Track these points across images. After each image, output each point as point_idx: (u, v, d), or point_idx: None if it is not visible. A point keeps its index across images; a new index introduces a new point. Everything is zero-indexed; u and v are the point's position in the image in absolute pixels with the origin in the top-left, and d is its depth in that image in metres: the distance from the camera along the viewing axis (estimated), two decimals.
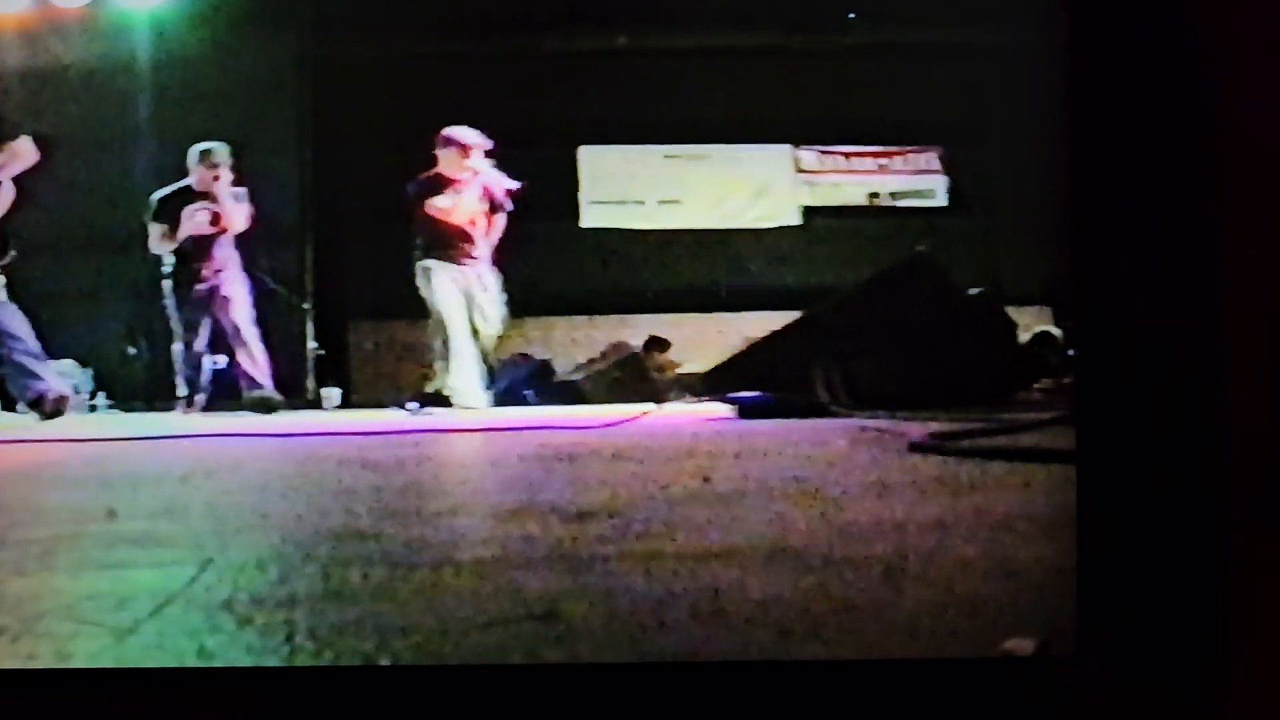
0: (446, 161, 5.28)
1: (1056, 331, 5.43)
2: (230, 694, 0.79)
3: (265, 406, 4.79)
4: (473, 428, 3.38)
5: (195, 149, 5.17)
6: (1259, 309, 0.88)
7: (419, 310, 5.43)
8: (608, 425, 3.07)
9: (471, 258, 5.30)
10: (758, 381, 3.36)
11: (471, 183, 5.30)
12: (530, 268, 5.65)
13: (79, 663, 0.76)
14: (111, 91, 6.43)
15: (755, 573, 0.94)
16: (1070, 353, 4.50)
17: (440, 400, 4.83)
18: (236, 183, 5.18)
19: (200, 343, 5.04)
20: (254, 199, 5.19)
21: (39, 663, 0.76)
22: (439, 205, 5.25)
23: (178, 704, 0.79)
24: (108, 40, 6.51)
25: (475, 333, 5.21)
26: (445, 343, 5.17)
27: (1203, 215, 0.91)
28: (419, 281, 5.25)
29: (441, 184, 5.26)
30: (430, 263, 5.25)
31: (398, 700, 0.79)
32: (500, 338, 5.45)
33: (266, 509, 1.39)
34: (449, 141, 5.27)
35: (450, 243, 5.31)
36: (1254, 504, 0.87)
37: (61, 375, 5.13)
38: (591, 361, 5.97)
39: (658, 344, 6.61)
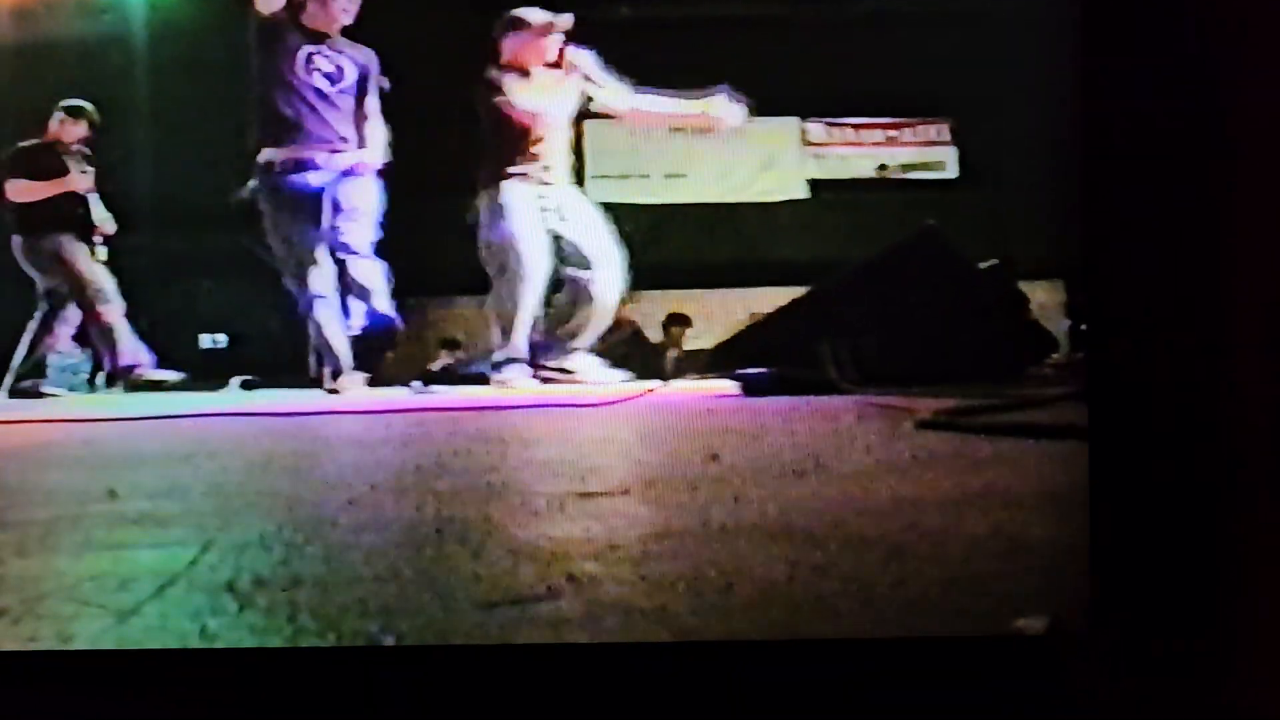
0: (524, 50, 4.07)
1: None
2: (233, 675, 0.78)
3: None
4: (476, 406, 3.37)
5: None
6: (1275, 285, 0.87)
7: (421, 288, 5.29)
8: (613, 403, 3.06)
9: (550, 178, 4.05)
10: (764, 358, 3.35)
11: (566, 78, 4.07)
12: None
13: (81, 644, 0.76)
14: (114, 68, 6.42)
15: (762, 550, 0.94)
16: (1082, 327, 4.48)
17: (444, 379, 4.77)
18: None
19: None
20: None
21: (40, 644, 0.76)
22: (518, 101, 3.89)
23: (180, 685, 0.79)
24: (111, 15, 6.50)
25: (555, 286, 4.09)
26: (516, 303, 3.93)
27: (1217, 190, 0.89)
28: (484, 220, 4.02)
29: (519, 73, 4.06)
30: (505, 186, 3.93)
31: (401, 680, 0.79)
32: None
33: (269, 488, 1.39)
34: (518, 24, 4.09)
35: (525, 154, 3.98)
36: (1270, 482, 0.86)
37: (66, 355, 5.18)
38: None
39: (678, 320, 6.59)
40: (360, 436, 2.15)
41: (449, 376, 4.89)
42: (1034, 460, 1.43)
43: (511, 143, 4.05)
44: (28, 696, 0.77)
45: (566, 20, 4.13)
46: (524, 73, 4.12)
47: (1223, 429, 0.87)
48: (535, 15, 4.14)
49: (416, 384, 4.44)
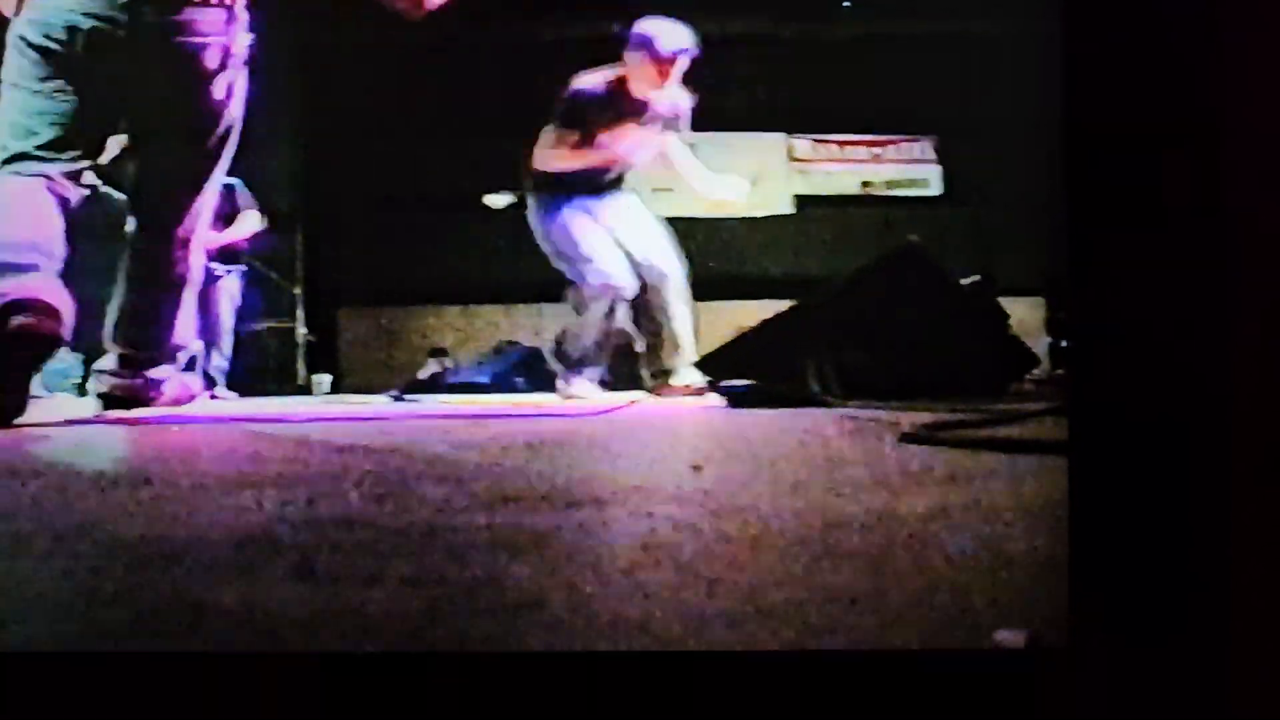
0: (636, 75, 3.98)
1: None
2: (214, 680, 0.78)
3: None
4: (458, 414, 3.37)
5: None
6: (1258, 299, 0.88)
7: (408, 297, 5.28)
8: (597, 413, 3.06)
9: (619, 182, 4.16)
10: (748, 370, 3.36)
11: (659, 114, 4.03)
12: (520, 255, 5.64)
13: (56, 647, 0.75)
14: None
15: (744, 562, 0.94)
16: (1063, 344, 4.52)
17: (425, 388, 4.76)
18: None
19: None
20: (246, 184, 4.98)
21: (12, 647, 0.75)
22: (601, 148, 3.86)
23: (162, 689, 0.78)
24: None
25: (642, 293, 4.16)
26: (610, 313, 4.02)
27: (1201, 205, 0.90)
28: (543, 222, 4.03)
29: (622, 104, 4.02)
30: (569, 201, 3.99)
31: (384, 687, 0.79)
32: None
33: (251, 495, 1.38)
34: (643, 45, 3.94)
35: (593, 171, 4.05)
36: (1251, 498, 0.86)
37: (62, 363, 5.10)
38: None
39: None
40: (344, 444, 2.14)
41: (434, 385, 4.87)
42: (1015, 474, 1.44)
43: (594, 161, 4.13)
44: (6, 700, 0.77)
45: (693, 48, 4.11)
46: (635, 103, 4.14)
47: (1203, 445, 0.88)
48: (668, 38, 4.06)
49: (393, 393, 4.44)
